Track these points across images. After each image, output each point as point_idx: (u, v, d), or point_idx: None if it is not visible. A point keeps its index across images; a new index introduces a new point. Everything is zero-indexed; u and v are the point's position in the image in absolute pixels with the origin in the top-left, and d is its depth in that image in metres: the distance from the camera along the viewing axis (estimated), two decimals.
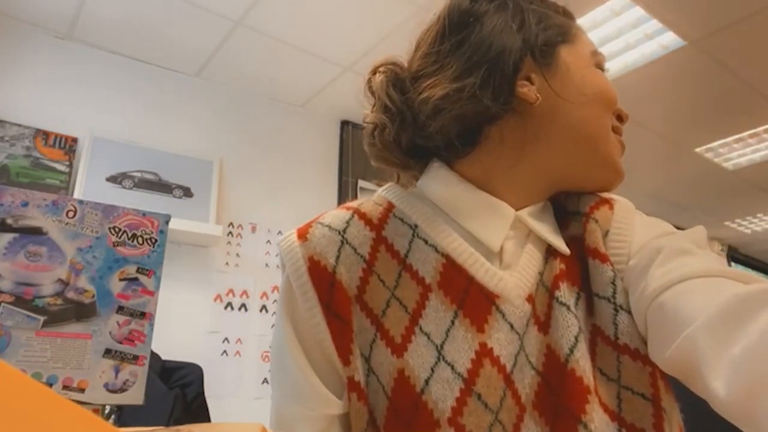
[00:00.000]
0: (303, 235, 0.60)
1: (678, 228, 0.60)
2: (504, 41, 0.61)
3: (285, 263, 0.60)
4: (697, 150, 3.90)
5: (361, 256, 0.59)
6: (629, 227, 0.60)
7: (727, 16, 2.60)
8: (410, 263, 0.59)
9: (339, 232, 0.60)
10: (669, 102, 3.33)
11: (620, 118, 0.67)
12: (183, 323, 2.52)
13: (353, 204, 0.65)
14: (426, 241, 0.60)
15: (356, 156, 3.28)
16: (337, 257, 0.58)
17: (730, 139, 3.77)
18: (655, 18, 2.59)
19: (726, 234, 5.81)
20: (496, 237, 0.60)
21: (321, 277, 0.57)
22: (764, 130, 3.67)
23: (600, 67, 0.66)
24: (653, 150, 3.93)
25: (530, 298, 0.58)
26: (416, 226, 0.61)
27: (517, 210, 0.63)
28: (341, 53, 2.78)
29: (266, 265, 2.84)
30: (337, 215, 0.62)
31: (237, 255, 2.78)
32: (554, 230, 0.64)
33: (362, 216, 0.62)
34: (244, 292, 2.71)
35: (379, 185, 0.70)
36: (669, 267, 0.51)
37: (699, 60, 2.89)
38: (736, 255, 6.14)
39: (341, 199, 3.23)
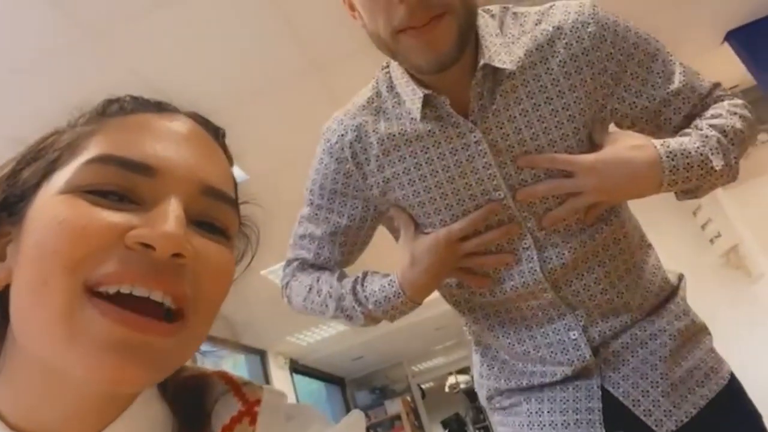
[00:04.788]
0: None
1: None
2: None
3: None
4: (263, 272, 4.29)
5: None
6: None
7: (282, 156, 3.04)
8: None
9: None
10: None
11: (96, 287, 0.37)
12: None
13: None
14: None
15: None
16: None
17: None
18: None
19: (288, 348, 6.47)
20: None
21: None
22: None
23: (83, 186, 0.38)
24: None
25: None
26: None
27: None
28: None
29: None
30: None
31: None
32: None
33: None
34: None
35: None
36: None
37: (259, 192, 3.25)
38: (296, 366, 6.86)
39: None
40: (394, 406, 8.60)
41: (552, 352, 0.92)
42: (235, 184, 0.50)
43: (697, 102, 0.89)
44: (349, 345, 7.11)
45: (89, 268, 0.36)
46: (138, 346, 0.36)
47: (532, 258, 0.88)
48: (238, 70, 2.38)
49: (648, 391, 0.88)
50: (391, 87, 0.92)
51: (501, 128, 0.85)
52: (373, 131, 0.91)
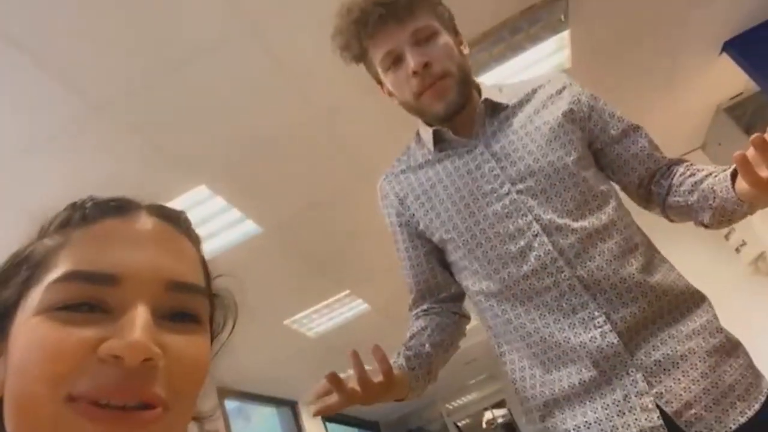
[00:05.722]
0: None
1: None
2: None
3: None
4: (285, 322, 4.29)
5: None
6: None
7: (295, 206, 3.08)
8: None
9: None
10: (256, 282, 3.61)
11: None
12: None
13: None
14: None
15: None
16: None
17: (309, 310, 4.31)
18: (234, 207, 2.86)
19: None
20: None
21: None
22: (334, 301, 4.34)
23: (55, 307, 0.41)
24: (248, 327, 4.11)
25: None
26: None
27: None
28: None
29: None
30: None
31: None
32: None
33: None
34: None
35: None
36: None
37: (274, 244, 3.28)
38: (330, 417, 6.73)
39: None
40: None
41: (581, 342, 0.98)
42: (205, 266, 0.52)
43: (646, 145, 1.11)
44: None
45: (68, 384, 0.39)
46: None
47: (544, 242, 1.03)
48: (247, 124, 2.45)
49: (691, 404, 0.93)
50: (418, 139, 1.22)
51: (498, 142, 1.11)
52: (407, 167, 1.21)
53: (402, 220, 1.19)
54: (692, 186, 1.03)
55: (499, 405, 10.01)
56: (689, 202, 1.04)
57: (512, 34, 2.52)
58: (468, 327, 1.23)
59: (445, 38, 1.09)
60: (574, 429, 0.99)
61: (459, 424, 10.00)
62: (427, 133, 1.16)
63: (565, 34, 2.63)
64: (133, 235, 0.46)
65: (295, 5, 1.96)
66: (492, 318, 1.10)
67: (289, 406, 5.90)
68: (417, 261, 1.20)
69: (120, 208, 0.48)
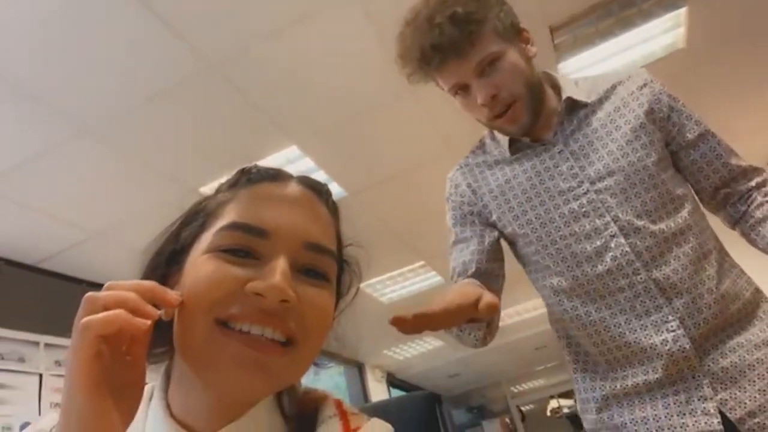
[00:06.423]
0: None
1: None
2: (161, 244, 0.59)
3: None
4: (361, 286, 4.40)
5: None
6: None
7: (380, 174, 3.12)
8: None
9: None
10: None
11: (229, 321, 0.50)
12: None
13: None
14: None
15: None
16: None
17: (384, 276, 4.39)
18: (321, 169, 2.94)
19: (385, 362, 6.55)
20: None
21: None
22: (408, 270, 4.40)
23: (224, 247, 0.52)
24: None
25: None
26: None
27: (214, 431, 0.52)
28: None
29: None
30: None
31: None
32: None
33: None
34: None
35: None
36: None
37: (356, 208, 3.35)
38: (393, 380, 6.91)
39: None
40: (492, 427, 8.39)
41: (652, 344, 0.99)
42: (338, 234, 0.61)
43: (722, 153, 1.09)
44: (445, 361, 7.05)
45: (220, 308, 0.49)
46: (261, 363, 0.48)
47: (621, 243, 1.03)
48: (342, 91, 2.49)
49: (755, 413, 0.94)
50: (493, 136, 1.22)
51: (577, 141, 1.11)
52: (482, 162, 1.21)
53: (474, 209, 1.18)
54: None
55: (567, 395, 9.79)
56: (761, 246, 1.06)
57: (623, 9, 2.37)
58: (541, 312, 1.24)
59: (509, 58, 1.04)
60: (630, 422, 1.01)
61: (522, 408, 9.91)
62: (504, 138, 1.16)
63: (683, 11, 2.44)
64: (284, 198, 0.56)
65: None
66: (560, 313, 1.11)
67: (356, 367, 6.10)
68: (489, 244, 1.16)
69: (276, 175, 0.59)
